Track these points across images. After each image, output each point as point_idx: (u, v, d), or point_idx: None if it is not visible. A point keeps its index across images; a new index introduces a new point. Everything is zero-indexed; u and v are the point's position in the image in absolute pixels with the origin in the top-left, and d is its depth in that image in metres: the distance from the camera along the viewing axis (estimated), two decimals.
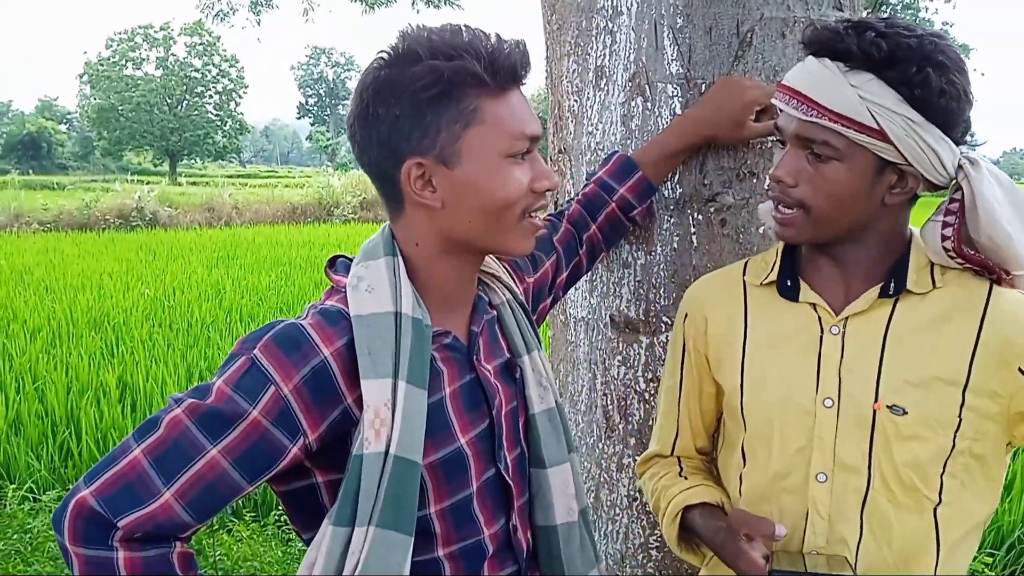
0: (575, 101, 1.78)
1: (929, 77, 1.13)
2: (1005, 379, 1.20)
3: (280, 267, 12.31)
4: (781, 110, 1.23)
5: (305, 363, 1.09)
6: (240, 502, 4.20)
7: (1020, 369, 1.19)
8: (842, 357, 1.25)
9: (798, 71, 1.22)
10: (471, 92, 1.11)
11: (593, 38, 1.71)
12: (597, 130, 1.72)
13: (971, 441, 1.21)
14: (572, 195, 1.70)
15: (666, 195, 1.64)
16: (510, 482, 1.25)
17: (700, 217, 1.63)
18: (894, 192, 1.20)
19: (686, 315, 1.43)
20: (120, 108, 56.00)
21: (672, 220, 1.65)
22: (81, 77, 60.86)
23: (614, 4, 1.66)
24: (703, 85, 1.60)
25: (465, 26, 1.14)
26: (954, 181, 1.20)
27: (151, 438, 1.06)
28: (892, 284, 1.24)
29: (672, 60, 1.61)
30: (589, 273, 1.69)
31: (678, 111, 1.62)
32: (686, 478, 1.41)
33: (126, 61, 58.51)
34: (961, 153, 1.19)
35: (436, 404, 1.17)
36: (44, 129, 69.98)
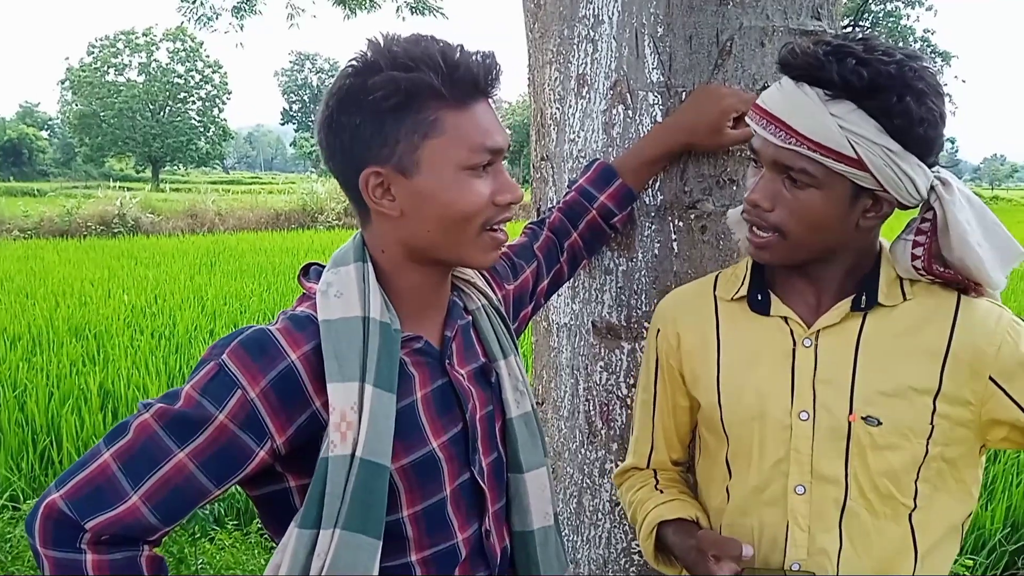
0: (557, 109, 1.79)
1: (909, 107, 1.13)
2: (976, 388, 1.21)
3: (263, 274, 12.26)
4: (757, 132, 1.23)
5: (272, 367, 1.09)
6: (223, 510, 4.19)
7: (991, 378, 1.20)
8: (815, 370, 1.26)
9: (775, 95, 1.21)
10: (431, 104, 1.11)
11: (575, 46, 1.72)
12: (579, 137, 1.73)
13: (943, 447, 1.23)
14: (554, 202, 1.71)
15: (647, 202, 1.65)
16: (484, 487, 1.26)
17: (681, 224, 1.64)
18: (868, 216, 1.21)
19: (658, 331, 1.43)
20: (102, 114, 55.66)
21: (653, 227, 1.66)
22: (63, 83, 60.48)
23: (596, 13, 1.67)
24: (683, 93, 1.61)
25: (432, 38, 1.14)
26: (925, 201, 1.22)
27: (120, 443, 1.07)
28: (863, 298, 1.25)
29: (653, 68, 1.62)
30: (571, 280, 1.69)
31: (659, 119, 1.63)
32: (662, 491, 1.42)
33: (108, 67, 58.17)
34: (934, 174, 1.21)
35: (407, 408, 1.18)
36: (25, 135, 69.39)
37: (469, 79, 1.12)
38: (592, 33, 1.69)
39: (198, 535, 3.95)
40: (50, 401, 5.45)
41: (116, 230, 20.17)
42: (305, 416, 1.12)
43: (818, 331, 1.26)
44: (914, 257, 1.23)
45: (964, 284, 1.24)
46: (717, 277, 1.42)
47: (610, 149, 1.68)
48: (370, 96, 1.10)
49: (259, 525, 4.02)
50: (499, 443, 1.30)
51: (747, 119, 1.28)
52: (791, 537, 1.27)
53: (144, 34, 59.09)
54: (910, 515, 1.25)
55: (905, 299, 1.25)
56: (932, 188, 1.21)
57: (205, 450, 1.08)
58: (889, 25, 37.07)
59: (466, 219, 1.15)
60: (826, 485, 1.25)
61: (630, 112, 1.66)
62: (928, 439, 1.22)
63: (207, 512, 4.09)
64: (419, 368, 1.21)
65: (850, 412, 1.23)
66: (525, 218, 1.91)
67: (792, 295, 1.30)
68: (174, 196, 28.40)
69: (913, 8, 37.44)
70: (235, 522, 4.14)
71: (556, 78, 1.78)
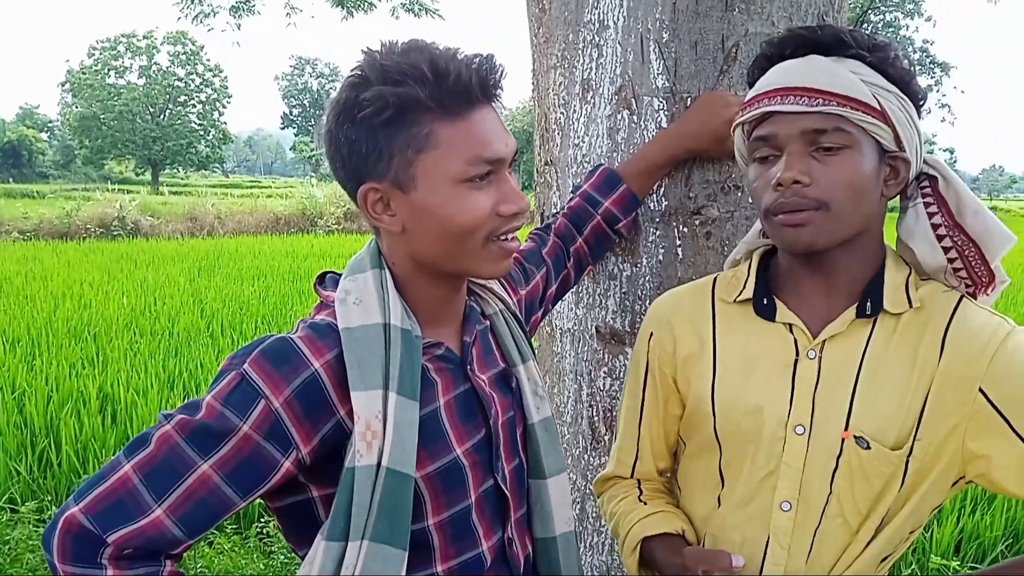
0: (562, 114, 1.79)
1: (902, 60, 1.17)
2: (964, 400, 1.15)
3: (262, 277, 12.26)
4: (772, 113, 1.17)
5: (295, 376, 1.07)
6: None
7: (981, 390, 1.14)
8: (817, 383, 1.21)
9: (784, 73, 1.18)
10: (425, 116, 1.08)
11: (580, 51, 1.72)
12: (583, 142, 1.73)
13: (921, 469, 1.18)
14: (559, 207, 1.71)
15: (651, 208, 1.65)
16: (507, 493, 1.24)
17: (685, 230, 1.64)
18: (889, 184, 1.20)
19: (651, 334, 1.37)
20: (102, 117, 55.69)
21: (658, 232, 1.66)
22: (63, 85, 60.61)
23: (601, 18, 1.67)
24: (688, 99, 1.61)
25: (426, 46, 1.10)
26: (915, 179, 1.23)
27: (141, 454, 1.05)
28: (869, 304, 1.20)
29: (658, 74, 1.62)
30: (575, 285, 1.69)
31: (664, 124, 1.63)
32: (646, 503, 1.36)
33: (108, 69, 58.24)
34: None
35: (430, 415, 1.16)
36: (25, 137, 69.42)
37: (461, 88, 1.08)
38: (597, 38, 1.69)
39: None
40: (49, 403, 5.44)
41: (115, 233, 20.16)
42: (330, 425, 1.10)
43: (823, 341, 1.21)
44: (931, 215, 1.21)
45: (979, 275, 1.21)
46: (715, 279, 1.37)
47: (615, 154, 1.68)
48: (362, 112, 1.07)
49: (258, 530, 4.02)
50: (520, 449, 1.29)
51: (745, 115, 1.22)
52: (770, 554, 1.22)
53: (145, 37, 59.18)
54: (875, 532, 1.20)
55: (911, 306, 1.20)
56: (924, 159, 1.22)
57: (229, 461, 1.05)
58: (888, 35, 37.15)
59: (468, 233, 1.12)
60: (811, 502, 1.21)
61: (635, 117, 1.66)
62: (908, 457, 1.17)
63: None
64: (441, 374, 1.20)
65: (845, 428, 1.18)
66: (529, 223, 1.91)
67: (799, 300, 1.25)
68: (173, 199, 28.36)
69: (912, 19, 37.48)
70: (234, 526, 4.13)
71: (561, 83, 1.78)
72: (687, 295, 1.37)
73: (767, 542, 1.23)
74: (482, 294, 1.32)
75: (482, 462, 1.21)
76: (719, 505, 1.29)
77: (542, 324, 1.93)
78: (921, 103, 1.20)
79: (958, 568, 3.70)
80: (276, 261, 14.42)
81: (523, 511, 1.29)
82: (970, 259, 1.21)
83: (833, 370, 1.20)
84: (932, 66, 39.14)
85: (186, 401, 1.11)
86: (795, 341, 1.23)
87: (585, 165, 1.73)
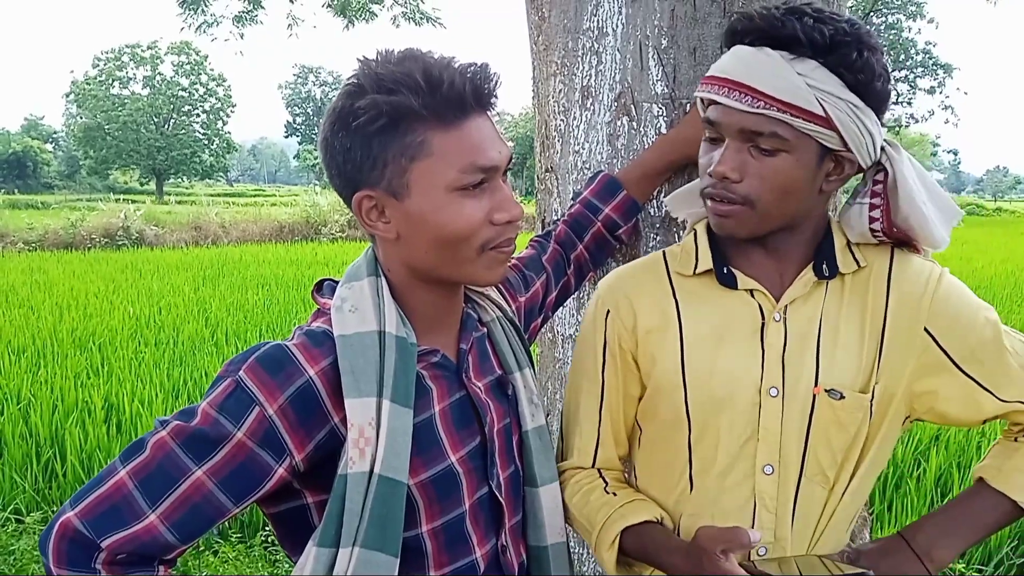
0: (562, 121, 1.79)
1: (869, 61, 1.13)
2: (913, 341, 1.23)
3: (267, 286, 12.27)
4: (717, 103, 1.18)
5: (290, 383, 1.08)
6: (227, 523, 4.18)
7: (925, 329, 1.22)
8: (785, 344, 1.24)
9: (735, 62, 1.18)
10: (418, 125, 1.08)
11: (579, 58, 1.73)
12: (583, 149, 1.74)
13: (883, 412, 1.24)
14: (559, 214, 1.71)
15: (652, 214, 1.65)
16: (502, 501, 1.25)
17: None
18: (831, 180, 1.20)
19: (608, 311, 1.34)
20: (106, 127, 55.86)
21: (658, 238, 1.66)
22: (67, 96, 60.79)
23: (600, 25, 1.68)
24: (688, 105, 1.61)
25: (420, 54, 1.10)
26: (873, 164, 1.23)
27: (136, 460, 1.06)
28: (825, 266, 1.24)
29: (657, 80, 1.63)
30: (577, 291, 1.69)
31: (663, 130, 1.63)
32: (614, 494, 1.32)
33: (113, 80, 58.42)
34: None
35: (425, 422, 1.17)
36: (30, 148, 69.59)
37: (454, 97, 1.08)
38: (596, 45, 1.69)
39: (202, 548, 3.94)
40: (54, 413, 5.45)
41: (120, 242, 20.20)
42: (324, 432, 1.11)
43: (787, 304, 1.25)
44: (872, 220, 1.23)
45: (912, 245, 1.26)
46: (665, 254, 1.36)
47: (615, 161, 1.69)
48: (357, 120, 1.08)
49: (263, 538, 4.01)
50: (516, 456, 1.29)
51: (700, 93, 1.23)
52: (758, 520, 1.24)
53: (149, 47, 59.33)
54: (848, 482, 1.26)
55: (859, 265, 1.25)
56: (882, 148, 1.21)
57: (223, 468, 1.06)
58: (891, 37, 37.14)
59: (461, 241, 1.13)
60: (790, 463, 1.23)
61: (634, 124, 1.66)
62: (872, 402, 1.22)
63: None
64: (436, 382, 1.20)
65: (815, 384, 1.22)
66: (530, 230, 1.91)
67: (753, 269, 1.27)
68: (178, 209, 28.39)
69: (914, 20, 37.47)
70: (239, 535, 4.13)
71: (560, 90, 1.79)
72: (640, 271, 1.36)
73: (754, 508, 1.25)
74: (479, 301, 1.33)
75: (476, 469, 1.22)
76: (691, 484, 1.29)
77: (544, 331, 1.93)
78: (885, 103, 1.19)
79: (964, 571, 3.69)
80: (280, 269, 14.43)
81: (518, 518, 1.29)
82: (903, 241, 1.27)
83: (797, 330, 1.24)
84: (935, 68, 39.11)
85: (182, 407, 1.12)
86: (759, 306, 1.26)
87: (585, 171, 1.73)
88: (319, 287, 1.26)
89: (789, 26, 1.13)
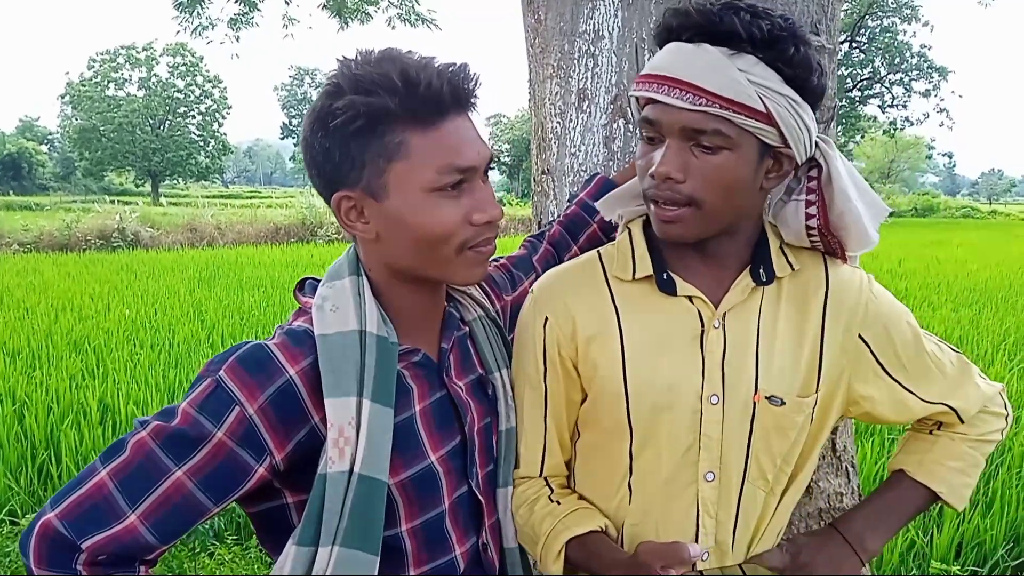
0: (558, 123, 1.80)
1: (806, 56, 1.13)
2: (848, 347, 1.25)
3: (262, 287, 12.25)
4: (656, 101, 1.15)
5: (270, 383, 1.08)
6: (222, 525, 4.17)
7: (860, 336, 1.25)
8: (725, 351, 1.23)
9: (674, 59, 1.14)
10: (396, 126, 1.09)
11: (575, 61, 1.73)
12: (580, 151, 1.74)
13: (822, 415, 1.27)
14: (555, 216, 1.72)
15: None
16: (481, 499, 1.25)
17: None
18: (770, 177, 1.20)
19: (546, 319, 1.30)
20: (102, 128, 55.74)
21: None
22: (63, 97, 60.65)
23: (596, 28, 1.69)
24: None
25: (400, 55, 1.10)
26: (806, 161, 1.22)
27: (116, 461, 1.06)
28: (762, 271, 1.24)
29: None
30: None
31: None
32: (558, 502, 1.30)
33: (108, 81, 58.30)
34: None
35: (406, 421, 1.17)
36: (25, 149, 69.54)
37: (432, 97, 1.08)
38: (593, 48, 1.70)
39: (197, 550, 3.94)
40: (49, 415, 5.43)
41: (115, 244, 20.15)
42: (304, 432, 1.11)
43: (725, 311, 1.24)
44: (808, 216, 1.23)
45: (840, 253, 1.27)
46: (600, 256, 1.33)
47: (611, 163, 1.69)
48: (335, 120, 1.08)
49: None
50: (495, 455, 1.30)
51: (636, 92, 1.20)
52: (701, 526, 1.25)
53: (144, 49, 59.25)
54: (788, 484, 1.29)
55: (793, 269, 1.26)
56: (817, 145, 1.21)
57: (203, 467, 1.06)
58: (886, 40, 37.22)
59: (440, 241, 1.13)
60: (732, 469, 1.24)
61: (631, 126, 1.66)
62: (813, 408, 1.25)
63: (207, 527, 4.07)
64: (417, 381, 1.21)
65: (755, 392, 1.22)
66: (525, 231, 1.91)
67: (691, 274, 1.25)
68: (173, 210, 28.36)
69: (909, 24, 37.57)
70: (235, 537, 4.13)
71: (557, 92, 1.79)
72: (576, 274, 1.33)
73: (697, 514, 1.25)
74: (462, 300, 1.33)
75: (456, 469, 1.22)
76: (630, 493, 1.28)
77: None
78: (820, 98, 1.18)
79: (959, 573, 3.69)
80: (276, 271, 14.41)
81: (496, 517, 1.31)
82: (833, 247, 1.27)
83: (736, 337, 1.24)
84: (930, 71, 39.22)
85: (163, 407, 1.12)
86: (699, 313, 1.25)
87: (582, 174, 1.74)
88: (301, 286, 1.27)
89: (728, 21, 1.11)
